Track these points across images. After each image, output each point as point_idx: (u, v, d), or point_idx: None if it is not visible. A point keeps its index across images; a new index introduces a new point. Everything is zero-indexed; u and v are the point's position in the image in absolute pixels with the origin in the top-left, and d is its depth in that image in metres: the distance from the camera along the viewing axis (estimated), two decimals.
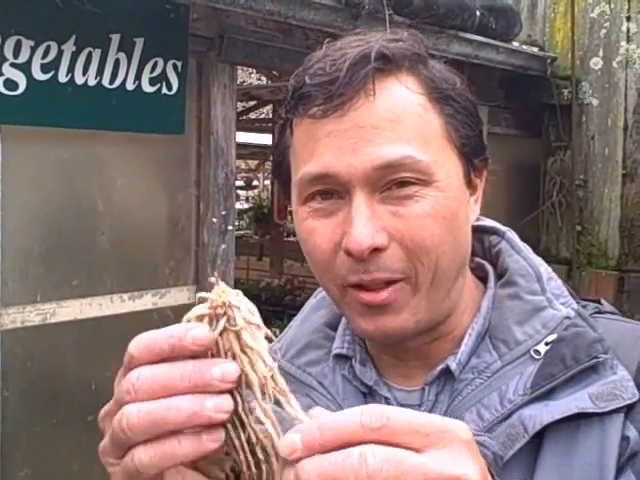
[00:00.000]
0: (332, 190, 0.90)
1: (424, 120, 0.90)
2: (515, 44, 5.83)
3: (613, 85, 6.13)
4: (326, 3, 4.06)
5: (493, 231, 1.06)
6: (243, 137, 8.97)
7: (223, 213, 4.09)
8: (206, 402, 0.61)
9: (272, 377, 0.62)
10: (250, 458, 0.62)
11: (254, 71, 9.33)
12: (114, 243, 3.67)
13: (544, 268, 1.00)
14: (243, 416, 0.62)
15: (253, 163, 15.46)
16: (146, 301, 3.81)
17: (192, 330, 0.62)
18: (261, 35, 4.22)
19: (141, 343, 0.64)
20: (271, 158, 0.96)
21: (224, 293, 0.63)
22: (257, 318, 0.64)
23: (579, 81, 6.22)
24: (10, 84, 3.13)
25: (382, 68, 0.88)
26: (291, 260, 10.56)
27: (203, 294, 0.63)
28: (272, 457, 0.61)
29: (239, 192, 16.88)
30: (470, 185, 0.96)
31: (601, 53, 6.18)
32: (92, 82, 3.40)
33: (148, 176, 3.91)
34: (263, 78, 9.19)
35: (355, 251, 0.86)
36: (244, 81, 9.05)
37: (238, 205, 16.63)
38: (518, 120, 6.40)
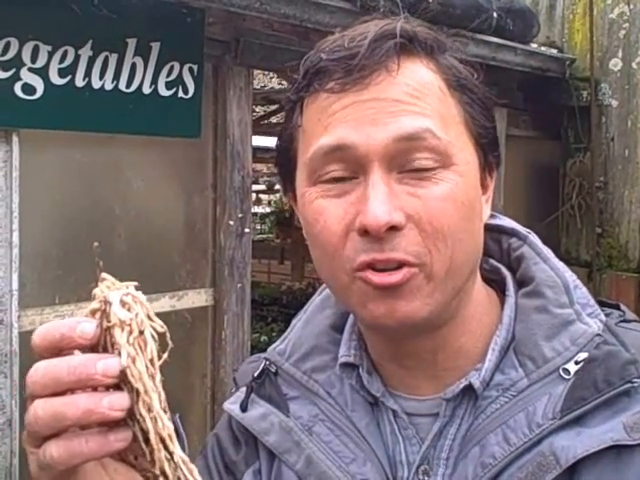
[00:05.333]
0: (345, 175, 0.85)
1: (444, 103, 0.86)
2: (533, 46, 5.79)
3: (633, 86, 6.07)
4: (342, 6, 4.06)
5: (513, 233, 1.00)
6: (265, 141, 8.96)
7: (240, 216, 4.10)
8: (103, 400, 0.63)
9: (151, 375, 0.64)
10: (145, 447, 0.65)
11: (275, 75, 9.34)
12: (131, 246, 3.69)
13: (569, 275, 0.94)
14: (135, 409, 0.64)
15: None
16: (163, 303, 3.83)
17: (81, 324, 0.65)
18: (277, 38, 4.23)
19: (41, 330, 0.67)
20: (276, 145, 0.97)
21: (109, 288, 0.65)
22: (138, 313, 0.64)
23: (598, 82, 6.16)
24: (28, 88, 3.16)
25: (406, 45, 0.85)
26: (312, 264, 10.56)
27: (95, 290, 0.65)
28: (155, 443, 0.64)
29: (261, 196, 16.92)
30: (482, 183, 0.91)
31: (620, 54, 6.12)
32: (109, 86, 3.43)
33: (165, 179, 3.94)
34: (284, 82, 9.20)
35: (372, 228, 0.80)
36: (265, 85, 9.06)
37: (260, 209, 16.71)
38: (537, 122, 6.36)
